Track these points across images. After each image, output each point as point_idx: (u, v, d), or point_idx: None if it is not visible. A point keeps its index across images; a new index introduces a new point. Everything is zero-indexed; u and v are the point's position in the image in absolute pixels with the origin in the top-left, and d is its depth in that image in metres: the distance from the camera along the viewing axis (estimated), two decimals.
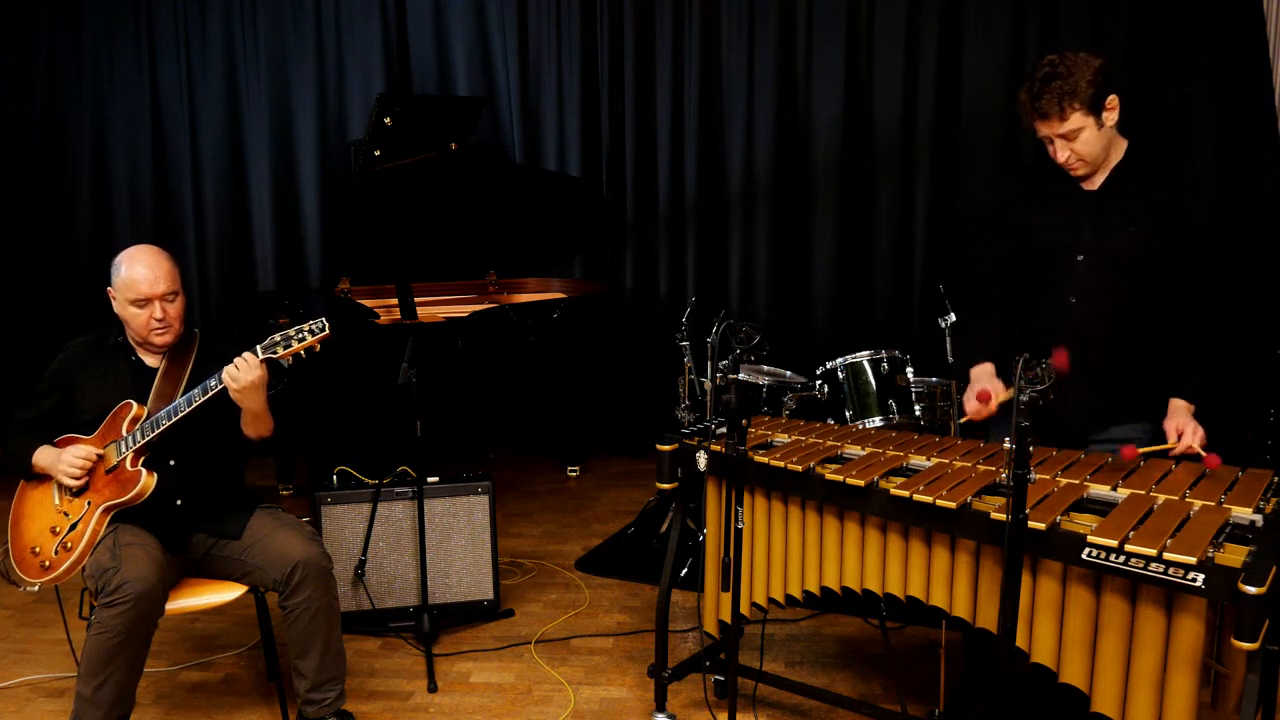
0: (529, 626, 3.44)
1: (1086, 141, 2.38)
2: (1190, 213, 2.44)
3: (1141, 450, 2.37)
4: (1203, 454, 2.32)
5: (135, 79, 5.41)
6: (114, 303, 2.66)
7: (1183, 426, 2.40)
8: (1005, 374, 2.57)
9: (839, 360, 3.66)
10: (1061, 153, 2.41)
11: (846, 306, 5.13)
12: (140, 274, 2.59)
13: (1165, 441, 2.41)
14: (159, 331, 2.64)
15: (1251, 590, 1.72)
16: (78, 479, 2.58)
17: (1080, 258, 2.47)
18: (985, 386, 2.54)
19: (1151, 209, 2.42)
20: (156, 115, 5.43)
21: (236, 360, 2.50)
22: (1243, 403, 4.23)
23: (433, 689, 3.03)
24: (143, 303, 2.60)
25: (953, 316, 3.66)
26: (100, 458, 2.60)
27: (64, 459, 2.58)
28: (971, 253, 2.85)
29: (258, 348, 2.50)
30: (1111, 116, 2.39)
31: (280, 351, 2.49)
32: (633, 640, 3.33)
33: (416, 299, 4.34)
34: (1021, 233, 2.58)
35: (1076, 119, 2.34)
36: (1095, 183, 2.48)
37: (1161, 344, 2.48)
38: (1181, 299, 2.47)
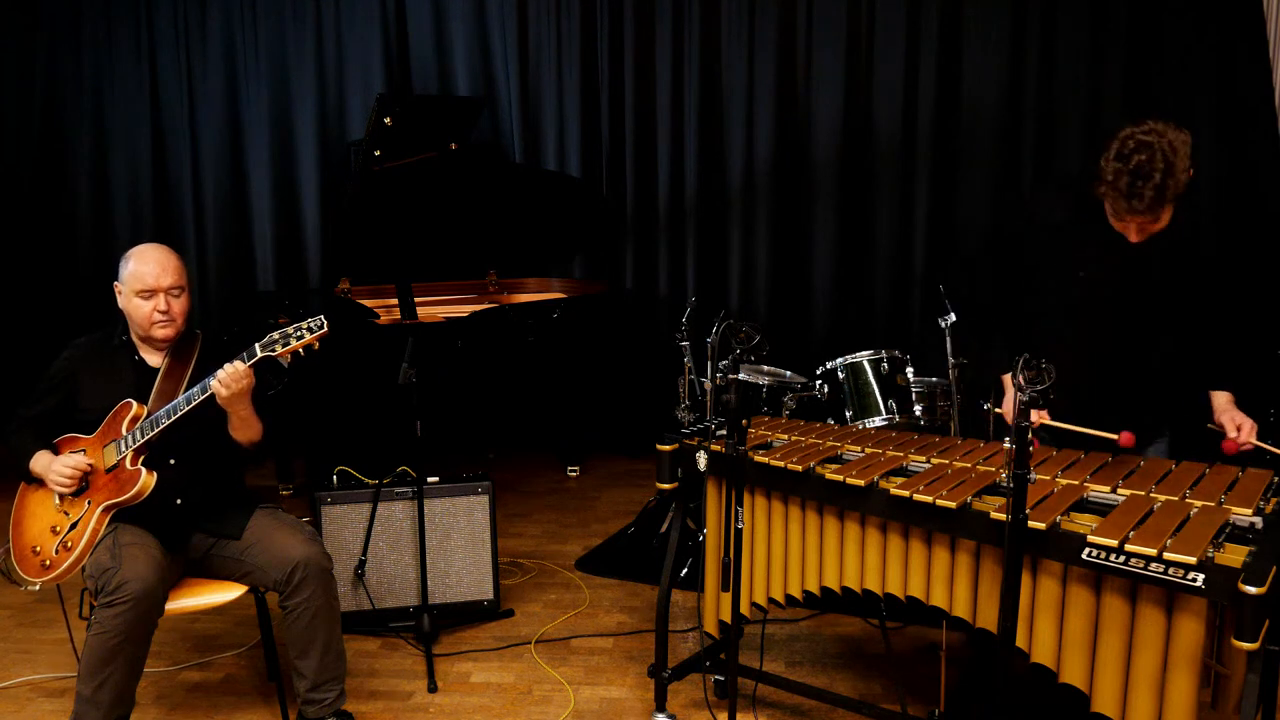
0: (529, 626, 3.44)
1: (1162, 219, 2.30)
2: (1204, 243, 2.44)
3: (1242, 446, 2.37)
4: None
5: (135, 79, 5.41)
6: (119, 297, 2.66)
7: (1240, 420, 2.41)
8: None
9: (839, 360, 3.66)
10: (1139, 235, 2.32)
11: (846, 306, 5.13)
12: (148, 267, 2.61)
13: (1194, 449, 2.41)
14: (161, 324, 2.63)
15: (1251, 590, 1.72)
16: (67, 488, 2.59)
17: (1114, 305, 2.46)
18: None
19: (1188, 264, 2.41)
20: (156, 115, 5.44)
21: (226, 367, 2.50)
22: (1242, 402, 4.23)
23: (433, 689, 3.03)
24: (148, 294, 2.61)
25: (953, 316, 3.66)
26: (92, 468, 2.61)
27: (54, 468, 2.58)
28: (996, 264, 2.68)
29: (255, 346, 2.50)
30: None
31: (279, 350, 2.49)
32: (633, 640, 3.33)
33: (416, 299, 4.34)
34: (1056, 265, 2.50)
35: (1169, 208, 2.24)
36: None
37: (1183, 364, 2.50)
38: (1207, 316, 2.47)
